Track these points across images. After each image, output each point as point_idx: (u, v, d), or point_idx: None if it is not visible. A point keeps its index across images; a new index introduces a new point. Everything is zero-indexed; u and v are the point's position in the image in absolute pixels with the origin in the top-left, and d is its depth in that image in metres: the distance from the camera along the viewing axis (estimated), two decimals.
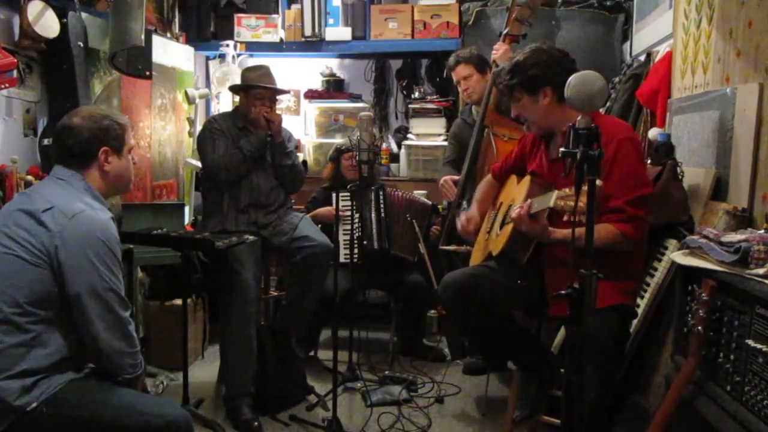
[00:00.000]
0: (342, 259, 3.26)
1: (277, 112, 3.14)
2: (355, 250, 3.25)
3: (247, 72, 3.13)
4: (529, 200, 2.07)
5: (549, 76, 2.17)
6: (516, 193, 2.35)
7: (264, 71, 3.11)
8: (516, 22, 3.08)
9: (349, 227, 3.42)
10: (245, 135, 3.06)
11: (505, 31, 3.13)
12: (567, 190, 1.72)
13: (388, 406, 2.94)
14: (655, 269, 2.38)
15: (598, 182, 1.60)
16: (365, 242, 3.37)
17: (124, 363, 1.76)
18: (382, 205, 3.50)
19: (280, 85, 3.20)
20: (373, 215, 3.49)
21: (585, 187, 1.54)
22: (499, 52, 3.10)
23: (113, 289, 1.71)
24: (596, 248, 1.53)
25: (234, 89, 3.25)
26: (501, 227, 2.36)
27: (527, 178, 2.29)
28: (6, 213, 1.77)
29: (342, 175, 3.63)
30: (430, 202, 3.65)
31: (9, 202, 1.99)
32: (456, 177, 3.32)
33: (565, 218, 1.71)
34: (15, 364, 1.63)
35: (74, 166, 1.82)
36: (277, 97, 3.24)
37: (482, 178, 2.85)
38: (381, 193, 3.51)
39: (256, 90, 3.04)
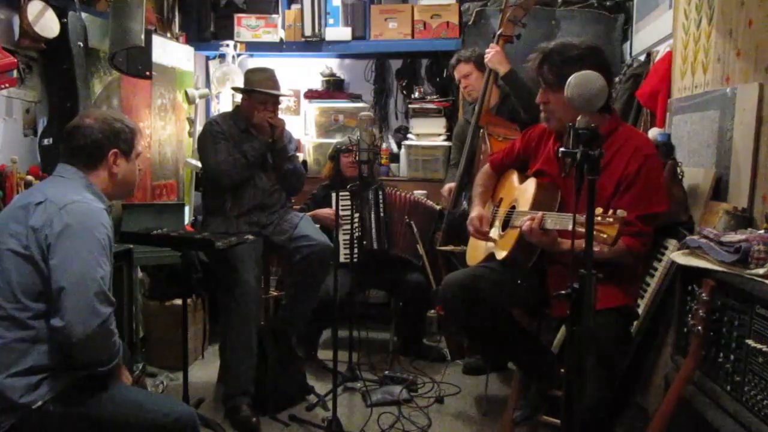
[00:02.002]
0: (342, 259, 3.26)
1: (279, 116, 3.13)
2: (355, 250, 3.25)
3: (250, 74, 3.10)
4: (541, 213, 2.05)
5: (605, 72, 2.08)
6: (519, 194, 2.33)
7: (268, 74, 3.08)
8: (509, 22, 3.08)
9: (349, 227, 3.42)
10: (247, 137, 3.04)
11: (498, 32, 3.13)
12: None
13: (388, 406, 2.94)
14: (655, 269, 2.38)
15: (621, 212, 1.59)
16: (365, 242, 3.37)
17: (94, 357, 1.67)
18: (381, 205, 3.50)
19: (280, 85, 3.18)
20: (372, 215, 3.49)
21: (608, 218, 1.53)
22: (490, 53, 3.10)
23: (96, 278, 1.64)
24: (601, 261, 1.51)
25: (237, 91, 3.23)
26: (503, 228, 2.35)
27: (533, 181, 2.26)
28: (8, 212, 1.79)
29: (341, 174, 3.62)
30: (437, 207, 3.64)
31: (12, 201, 1.99)
32: None
33: (596, 248, 1.60)
34: (19, 360, 1.63)
35: (81, 166, 1.84)
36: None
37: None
38: (380, 192, 3.51)
39: (260, 94, 3.03)
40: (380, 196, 3.51)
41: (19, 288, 1.65)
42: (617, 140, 2.08)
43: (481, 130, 3.11)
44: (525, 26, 3.11)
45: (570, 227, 1.84)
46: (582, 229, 1.56)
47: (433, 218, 3.63)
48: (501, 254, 2.27)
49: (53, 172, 1.87)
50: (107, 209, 1.80)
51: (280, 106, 3.17)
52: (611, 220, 1.54)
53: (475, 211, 2.45)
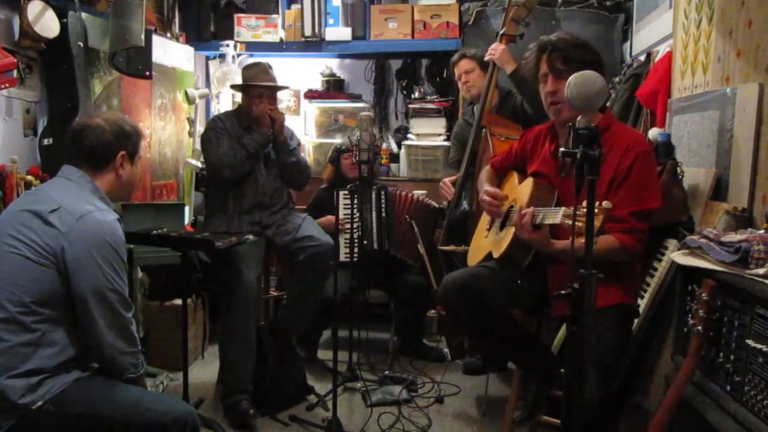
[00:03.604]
0: (342, 258, 3.26)
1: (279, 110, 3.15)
2: (356, 250, 3.24)
3: (245, 70, 3.14)
4: (532, 208, 2.05)
5: (601, 66, 2.12)
6: (518, 194, 2.34)
7: (261, 68, 3.11)
8: (512, 22, 3.08)
9: (350, 227, 3.42)
10: (249, 134, 3.06)
11: (501, 32, 3.13)
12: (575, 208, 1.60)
13: (388, 406, 2.94)
14: (655, 269, 2.38)
15: (607, 203, 1.59)
16: (365, 242, 3.37)
17: (126, 362, 1.77)
18: (383, 206, 3.50)
19: (276, 77, 3.19)
20: (373, 215, 3.48)
21: (594, 209, 1.52)
22: (497, 52, 3.10)
23: (117, 290, 1.73)
24: (597, 260, 1.52)
25: (234, 88, 3.26)
26: (502, 228, 2.35)
27: (530, 180, 2.27)
28: (12, 213, 1.78)
29: (343, 175, 3.62)
30: (436, 205, 3.64)
31: (14, 202, 1.99)
32: (454, 178, 3.32)
33: (582, 240, 1.58)
34: (21, 363, 1.64)
35: (88, 167, 1.85)
36: (278, 96, 3.24)
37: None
38: (383, 192, 3.50)
39: (255, 88, 3.04)
40: (382, 197, 3.50)
41: (26, 292, 1.66)
42: (610, 138, 2.08)
43: (484, 130, 3.11)
44: (528, 26, 3.12)
45: (558, 220, 1.84)
46: (569, 221, 1.57)
47: (433, 217, 3.63)
48: (498, 252, 2.28)
49: (58, 173, 1.88)
50: (119, 218, 1.82)
51: (280, 106, 3.18)
52: (595, 211, 1.54)
53: (485, 187, 2.43)
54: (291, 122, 4.02)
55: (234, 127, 3.09)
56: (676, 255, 2.01)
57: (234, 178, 3.01)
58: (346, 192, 3.40)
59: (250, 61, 4.49)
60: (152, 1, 3.79)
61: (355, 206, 3.36)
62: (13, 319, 1.65)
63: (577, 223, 1.53)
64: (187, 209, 3.87)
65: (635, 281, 2.22)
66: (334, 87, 4.64)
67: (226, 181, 3.02)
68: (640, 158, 2.04)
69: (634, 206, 2.00)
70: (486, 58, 3.18)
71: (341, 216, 3.30)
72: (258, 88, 3.04)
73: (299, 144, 3.55)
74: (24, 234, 1.69)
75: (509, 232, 2.21)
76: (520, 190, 2.34)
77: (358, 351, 3.31)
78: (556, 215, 1.90)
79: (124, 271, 1.78)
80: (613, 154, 2.05)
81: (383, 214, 3.49)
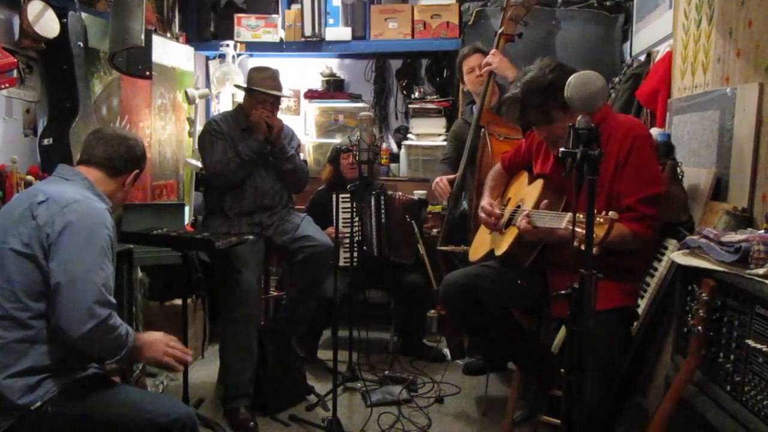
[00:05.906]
0: (342, 263, 3.25)
1: (279, 116, 3.12)
2: (355, 253, 3.24)
3: (253, 72, 3.10)
4: (528, 211, 2.05)
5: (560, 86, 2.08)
6: (526, 194, 2.33)
7: (270, 74, 3.08)
8: (511, 21, 3.08)
9: (349, 231, 3.41)
10: (245, 137, 3.04)
11: (500, 31, 3.13)
12: (581, 215, 1.54)
13: (388, 406, 2.94)
14: (655, 269, 2.38)
15: (613, 214, 1.56)
16: (365, 248, 3.37)
17: (96, 352, 1.73)
18: (383, 211, 3.49)
19: (282, 86, 3.18)
20: (373, 220, 3.48)
21: (599, 218, 1.51)
22: (495, 61, 3.07)
23: (95, 281, 1.64)
24: (611, 248, 1.50)
25: (238, 88, 3.24)
26: (506, 226, 2.35)
27: (540, 182, 2.27)
28: (5, 210, 1.80)
29: (342, 175, 3.62)
30: (417, 197, 3.64)
31: (10, 201, 1.99)
32: (451, 176, 3.31)
33: (575, 244, 1.54)
34: (18, 361, 1.63)
35: (102, 170, 1.87)
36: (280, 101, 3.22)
37: (479, 177, 2.83)
38: (381, 198, 3.50)
39: (259, 93, 3.03)
40: (382, 202, 3.50)
41: (20, 287, 1.65)
42: (607, 128, 2.07)
43: (482, 130, 3.10)
44: (527, 25, 3.11)
45: (562, 226, 1.84)
46: (578, 229, 1.53)
47: (420, 210, 3.61)
48: (500, 250, 2.28)
49: (53, 172, 1.88)
50: (109, 209, 1.81)
51: (280, 106, 3.16)
52: (601, 220, 1.54)
53: (485, 200, 2.46)
54: (291, 122, 4.02)
55: (231, 129, 3.06)
56: (676, 255, 2.01)
57: (227, 185, 3.00)
58: (345, 195, 3.40)
59: (251, 61, 4.52)
60: (152, 1, 3.78)
61: (354, 210, 3.37)
62: (8, 315, 1.64)
63: (581, 230, 1.51)
64: (187, 209, 3.87)
65: (635, 283, 2.22)
66: (334, 87, 4.64)
67: (221, 187, 3.01)
68: (638, 142, 2.05)
69: (639, 193, 2.00)
70: (482, 71, 3.16)
71: (340, 219, 3.29)
72: (262, 94, 3.01)
73: (299, 145, 3.54)
74: (15, 229, 1.69)
75: (513, 232, 2.21)
76: (529, 190, 2.34)
77: (358, 351, 3.31)
78: (561, 221, 1.90)
79: (109, 260, 1.72)
80: (612, 142, 2.05)
81: (383, 220, 3.49)
